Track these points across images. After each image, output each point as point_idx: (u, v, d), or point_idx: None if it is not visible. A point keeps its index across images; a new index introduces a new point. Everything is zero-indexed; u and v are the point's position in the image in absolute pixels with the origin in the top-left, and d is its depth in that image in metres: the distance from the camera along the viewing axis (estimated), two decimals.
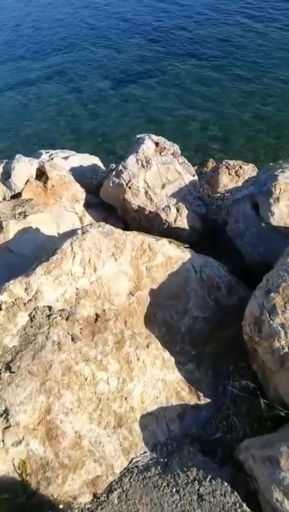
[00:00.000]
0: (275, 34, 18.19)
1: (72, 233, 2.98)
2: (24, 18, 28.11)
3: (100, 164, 7.53)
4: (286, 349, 2.47)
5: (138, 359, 2.70)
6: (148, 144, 4.88)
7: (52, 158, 6.81)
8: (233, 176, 6.86)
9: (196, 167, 10.49)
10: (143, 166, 4.62)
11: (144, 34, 21.89)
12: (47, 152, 7.13)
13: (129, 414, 2.52)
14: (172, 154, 5.07)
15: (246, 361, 3.09)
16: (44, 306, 2.63)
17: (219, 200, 6.35)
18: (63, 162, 6.56)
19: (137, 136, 5.18)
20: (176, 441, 2.59)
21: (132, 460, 2.42)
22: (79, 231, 2.99)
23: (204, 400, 2.83)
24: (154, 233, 4.62)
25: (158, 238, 3.25)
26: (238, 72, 16.28)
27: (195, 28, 21.27)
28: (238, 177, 6.86)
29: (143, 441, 2.50)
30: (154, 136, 5.12)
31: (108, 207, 4.95)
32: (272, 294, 2.65)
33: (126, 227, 4.94)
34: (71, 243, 2.87)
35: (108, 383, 2.54)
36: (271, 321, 2.54)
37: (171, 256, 3.16)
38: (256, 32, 18.95)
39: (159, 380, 2.72)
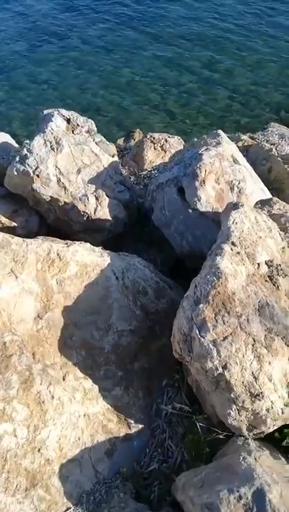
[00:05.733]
0: None
1: None
2: None
3: (12, 141, 6.63)
4: (220, 369, 2.17)
5: (52, 397, 2.26)
6: (57, 122, 4.23)
7: None
8: (159, 150, 6.41)
9: (122, 139, 9.88)
10: (53, 149, 3.98)
11: None
12: None
13: (45, 468, 2.10)
14: (87, 132, 4.47)
15: (181, 372, 2.80)
16: None
17: (146, 179, 5.91)
18: None
19: (44, 111, 4.47)
20: (105, 485, 2.24)
21: None
22: None
23: (136, 428, 2.49)
24: (74, 226, 4.10)
25: (68, 243, 2.75)
26: (162, 35, 15.39)
27: None
28: (164, 152, 6.42)
29: (64, 496, 2.11)
30: (64, 111, 4.44)
31: (18, 197, 4.27)
32: (201, 306, 2.31)
33: (42, 221, 4.34)
34: None
35: (15, 435, 2.09)
36: (202, 339, 2.21)
37: (86, 263, 2.69)
38: None
39: (80, 417, 2.31)
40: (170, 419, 2.59)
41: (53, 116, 4.24)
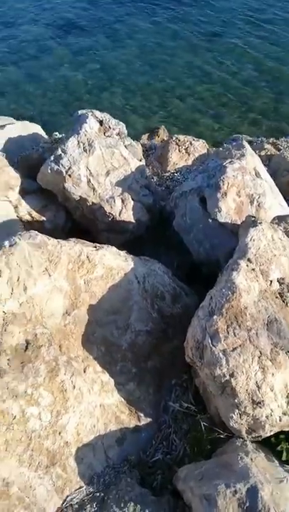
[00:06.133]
0: None
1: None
2: None
3: (42, 132, 6.88)
4: (227, 377, 2.40)
5: (74, 387, 2.51)
6: (91, 123, 4.43)
7: None
8: (183, 153, 6.57)
9: (146, 135, 10.03)
10: (85, 150, 4.20)
11: None
12: None
13: (64, 449, 2.37)
14: (117, 134, 4.67)
15: (189, 373, 3.03)
16: None
17: (168, 181, 6.10)
18: None
19: (79, 112, 4.67)
20: (114, 470, 2.50)
21: (66, 498, 2.30)
22: (6, 243, 2.64)
23: (145, 421, 2.74)
24: (99, 225, 4.33)
25: (98, 247, 2.98)
26: (198, 29, 15.37)
27: None
28: (188, 155, 6.59)
29: (78, 476, 2.38)
30: (97, 113, 4.65)
31: (48, 192, 4.51)
32: (215, 317, 2.52)
33: (68, 216, 4.58)
34: None
35: (40, 418, 2.35)
36: (213, 348, 2.44)
37: (112, 267, 2.92)
38: None
39: (96, 407, 2.57)
40: (176, 415, 2.83)
41: (87, 117, 4.44)
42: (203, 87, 13.11)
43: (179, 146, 6.61)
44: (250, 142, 10.07)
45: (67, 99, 12.70)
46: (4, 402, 2.26)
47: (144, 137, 9.68)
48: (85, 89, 12.97)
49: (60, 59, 14.20)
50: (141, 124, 11.70)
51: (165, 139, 9.98)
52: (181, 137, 6.80)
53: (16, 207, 4.19)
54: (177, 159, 6.48)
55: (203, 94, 12.86)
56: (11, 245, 2.61)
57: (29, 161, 5.47)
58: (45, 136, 6.84)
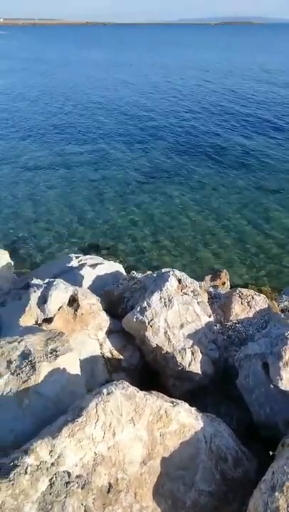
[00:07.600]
0: None
1: (97, 392, 3.25)
2: (52, 107, 31.63)
3: (122, 271, 8.12)
4: None
5: None
6: (172, 282, 5.34)
7: (81, 265, 7.38)
8: (245, 305, 7.23)
9: (209, 276, 11.04)
10: (165, 305, 5.01)
11: (173, 133, 24.24)
12: (77, 257, 7.74)
13: None
14: (192, 291, 5.51)
15: None
16: (64, 472, 2.81)
17: (230, 330, 6.67)
18: (91, 271, 7.10)
19: (163, 270, 5.67)
20: None
21: None
22: (104, 391, 3.25)
23: None
24: (168, 371, 4.89)
25: (174, 403, 3.49)
26: (265, 184, 17.62)
27: (222, 133, 23.59)
28: (250, 308, 7.23)
29: None
30: (177, 272, 5.60)
31: (128, 334, 5.26)
32: (276, 494, 2.81)
33: (142, 357, 5.22)
34: (96, 404, 3.12)
35: None
36: None
37: (184, 424, 3.38)
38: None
39: None
40: None
41: (169, 276, 5.38)
42: (264, 235, 14.46)
43: (241, 298, 7.32)
44: None
45: (139, 234, 14.57)
46: None
47: (208, 278, 10.67)
48: (151, 227, 14.91)
49: (139, 203, 16.65)
50: (204, 263, 12.93)
51: (226, 281, 10.92)
52: (244, 291, 7.55)
53: (101, 345, 4.94)
54: (239, 311, 7.12)
55: (264, 243, 14.13)
56: (108, 393, 3.22)
57: (110, 296, 6.46)
58: (124, 274, 8.04)
